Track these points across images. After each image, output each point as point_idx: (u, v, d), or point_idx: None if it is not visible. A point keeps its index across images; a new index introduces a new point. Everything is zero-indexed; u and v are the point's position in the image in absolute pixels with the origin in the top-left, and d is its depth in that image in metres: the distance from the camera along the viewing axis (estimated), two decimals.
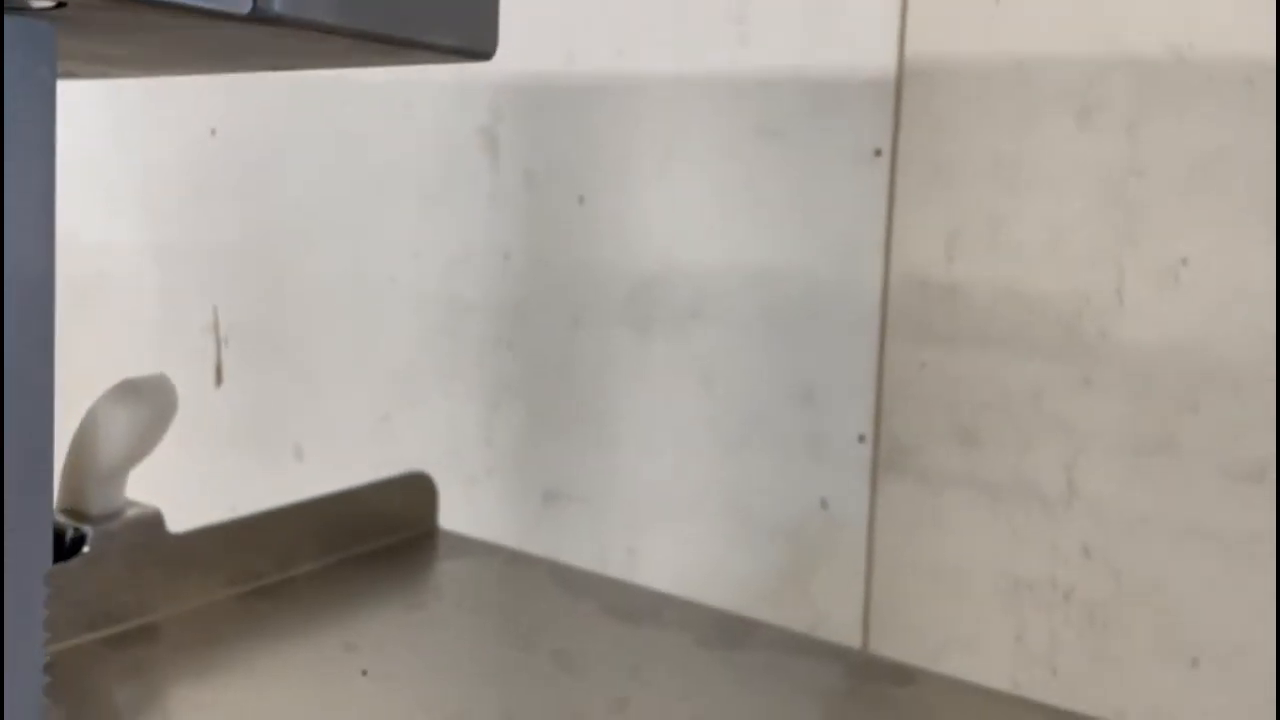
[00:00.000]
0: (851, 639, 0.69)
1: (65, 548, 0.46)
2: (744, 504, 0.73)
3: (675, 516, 0.76)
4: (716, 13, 0.69)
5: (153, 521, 0.48)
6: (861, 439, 0.68)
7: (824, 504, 0.70)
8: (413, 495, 0.61)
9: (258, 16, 0.23)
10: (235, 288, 0.98)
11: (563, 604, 0.52)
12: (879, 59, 0.64)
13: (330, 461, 0.93)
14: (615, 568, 0.81)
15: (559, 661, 0.46)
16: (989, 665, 0.64)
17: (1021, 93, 0.60)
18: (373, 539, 0.59)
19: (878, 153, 0.65)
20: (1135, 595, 0.60)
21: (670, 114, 0.72)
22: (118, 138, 1.02)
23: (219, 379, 0.98)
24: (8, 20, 0.21)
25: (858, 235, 0.66)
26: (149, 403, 0.45)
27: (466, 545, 0.61)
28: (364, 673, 0.44)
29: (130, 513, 0.48)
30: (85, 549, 0.45)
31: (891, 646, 0.67)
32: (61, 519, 0.46)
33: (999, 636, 0.64)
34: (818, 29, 0.66)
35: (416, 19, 0.27)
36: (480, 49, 0.29)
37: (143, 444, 0.46)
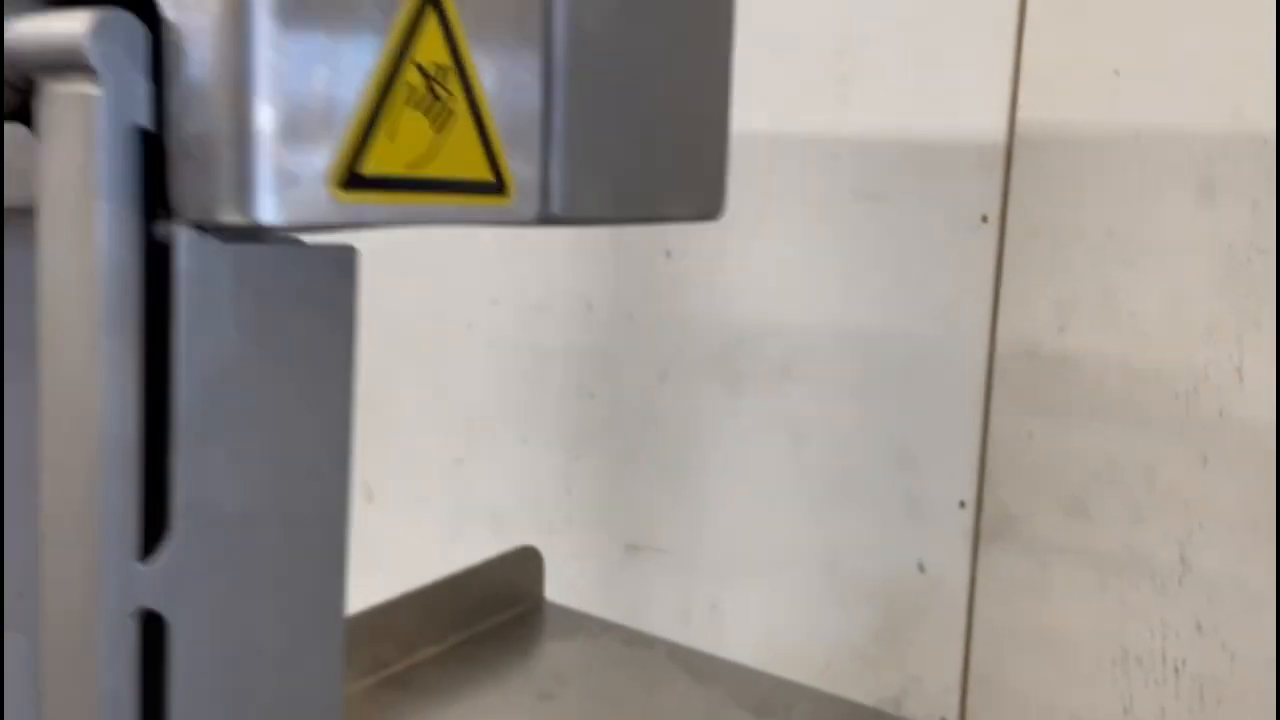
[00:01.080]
0: (947, 706, 0.69)
1: None
2: (835, 563, 0.72)
3: (762, 573, 0.75)
4: (818, 71, 0.68)
5: None
6: (962, 504, 0.67)
7: (921, 567, 0.69)
8: (521, 569, 0.61)
9: (542, 222, 0.22)
10: None
11: (692, 695, 0.52)
12: (988, 124, 0.63)
13: (400, 504, 0.93)
14: (698, 624, 0.81)
15: None
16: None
17: (1139, 165, 0.59)
18: (488, 617, 0.58)
19: (984, 219, 0.64)
20: (1249, 673, 0.59)
21: (766, 172, 0.71)
22: None
23: None
24: (314, 250, 0.20)
25: (962, 301, 0.65)
26: None
27: (578, 621, 0.60)
28: None
29: None
30: None
31: (991, 715, 0.67)
32: None
33: (1106, 709, 0.63)
34: (924, 91, 0.66)
35: (667, 201, 0.26)
36: (711, 213, 0.28)
37: None
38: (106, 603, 0.17)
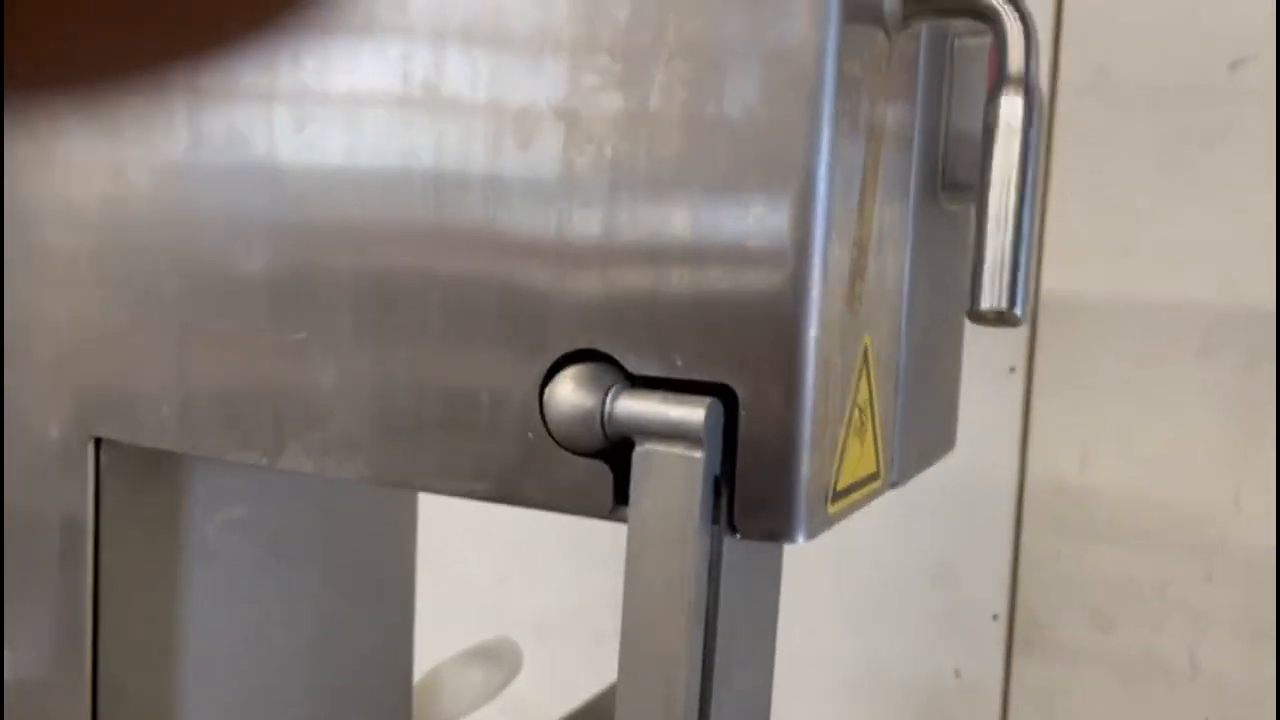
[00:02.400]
0: None
1: None
2: (876, 671, 0.80)
3: (809, 682, 0.83)
4: None
5: None
6: (995, 617, 0.76)
7: (958, 674, 0.78)
8: None
9: (614, 518, 0.28)
10: None
11: None
12: None
13: (444, 622, 0.97)
14: None
15: None
16: None
17: (1147, 328, 0.70)
18: None
19: (1012, 369, 0.74)
20: None
21: None
22: None
23: None
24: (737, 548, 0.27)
25: (994, 441, 0.75)
26: (505, 668, 0.50)
27: None
28: None
29: None
30: None
31: None
32: None
33: None
34: None
35: (941, 446, 0.34)
36: (952, 445, 0.36)
37: (482, 704, 0.51)
38: None
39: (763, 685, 0.29)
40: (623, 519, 0.26)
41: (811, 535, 0.25)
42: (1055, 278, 0.72)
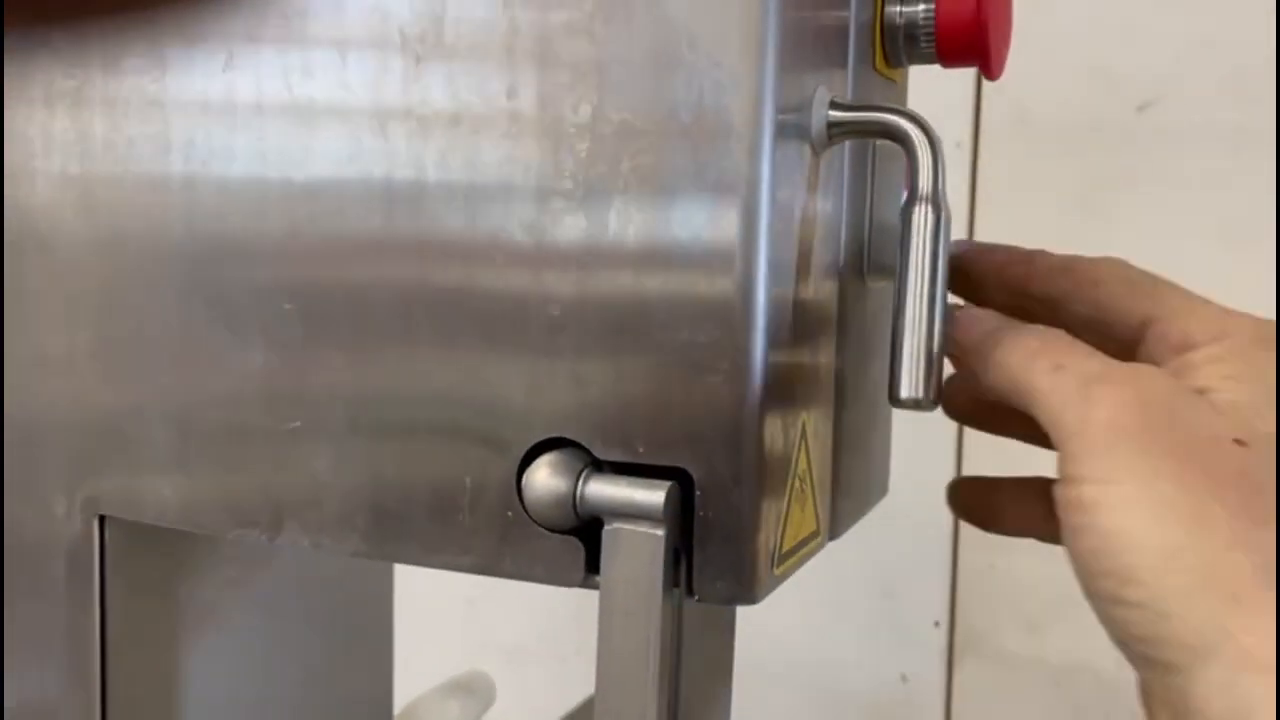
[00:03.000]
0: None
1: None
2: (828, 678, 0.85)
3: (764, 689, 0.87)
4: None
5: None
6: (937, 624, 0.81)
7: (904, 678, 0.82)
8: None
9: (585, 586, 0.32)
10: None
11: None
12: None
13: (416, 645, 0.99)
14: None
15: None
16: None
17: None
18: None
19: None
20: None
21: None
22: None
23: None
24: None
25: (930, 473, 0.79)
26: (480, 699, 0.53)
27: None
28: None
29: None
30: None
31: None
32: None
33: None
34: None
35: (875, 495, 0.38)
36: (885, 491, 0.40)
37: None
38: None
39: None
40: (593, 586, 0.29)
41: (762, 598, 0.29)
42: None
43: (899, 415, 0.40)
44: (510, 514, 0.30)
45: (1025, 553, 0.78)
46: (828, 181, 0.31)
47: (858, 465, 0.37)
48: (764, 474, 0.28)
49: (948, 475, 0.79)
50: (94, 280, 0.35)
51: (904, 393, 0.29)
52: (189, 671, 0.40)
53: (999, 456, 0.77)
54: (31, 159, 0.35)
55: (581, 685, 0.85)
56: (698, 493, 0.28)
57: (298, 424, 0.32)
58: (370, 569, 0.49)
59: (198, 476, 0.34)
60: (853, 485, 0.36)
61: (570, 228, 0.29)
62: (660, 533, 0.28)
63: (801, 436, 0.31)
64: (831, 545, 0.32)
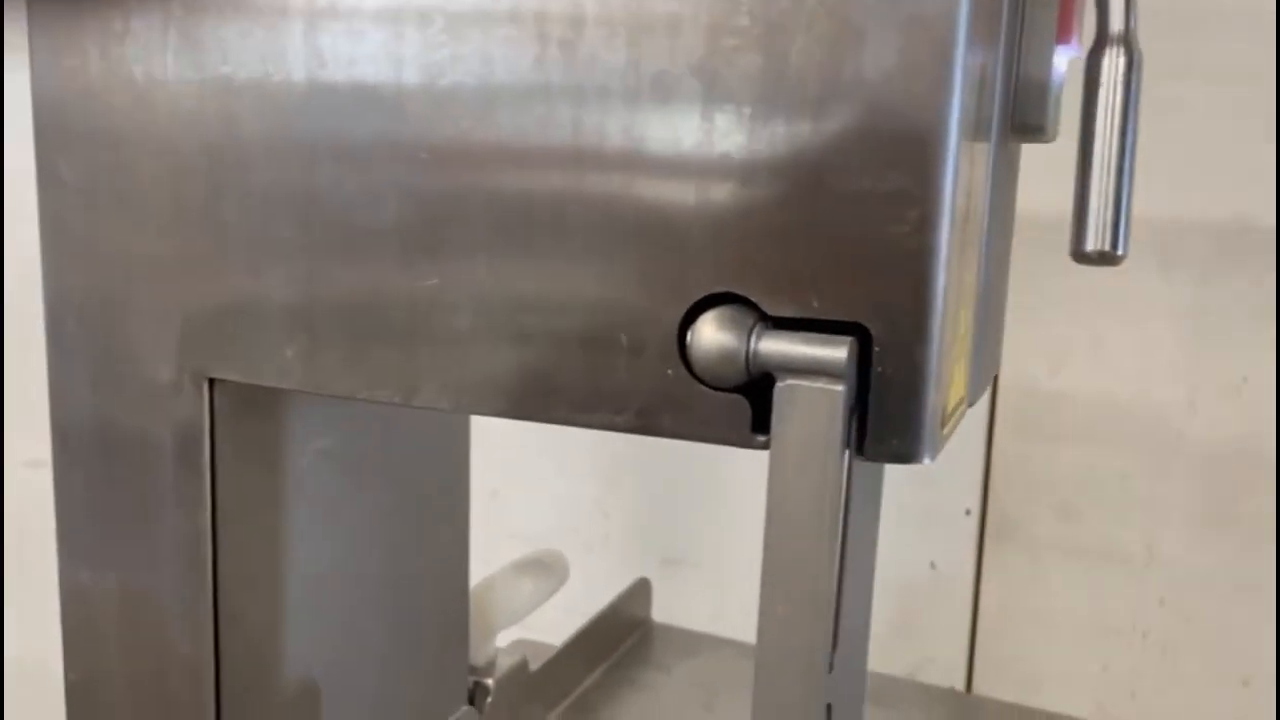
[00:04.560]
0: (955, 679, 0.84)
1: (471, 698, 0.53)
2: None
3: None
4: None
5: (521, 667, 0.56)
6: (968, 512, 0.82)
7: (933, 565, 0.84)
8: (638, 598, 0.71)
9: (752, 446, 0.31)
10: None
11: None
12: None
13: None
14: (730, 626, 0.92)
15: None
16: (1079, 695, 0.80)
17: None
18: (621, 643, 0.68)
19: None
20: (1201, 634, 0.77)
21: None
22: None
23: None
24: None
25: None
26: (554, 577, 0.53)
27: (689, 640, 0.71)
28: None
29: (504, 660, 0.56)
30: (489, 700, 0.53)
31: (992, 681, 0.82)
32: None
33: (1088, 670, 0.80)
34: None
35: (990, 373, 0.38)
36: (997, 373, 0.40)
37: (530, 611, 0.54)
38: (815, 703, 0.27)
39: (868, 588, 0.32)
40: (759, 446, 0.29)
41: (933, 456, 0.28)
42: (1028, 198, 0.76)
43: None
44: (670, 372, 0.29)
45: (1060, 441, 0.79)
46: (993, 24, 0.30)
47: (989, 334, 0.36)
48: (943, 331, 0.27)
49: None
50: (203, 128, 0.33)
51: (1089, 245, 0.28)
52: (287, 539, 0.39)
53: (1040, 331, 0.77)
54: (161, 69, 0.33)
55: (605, 578, 0.85)
56: (876, 349, 0.27)
57: (435, 281, 0.31)
58: (450, 442, 0.49)
59: (324, 339, 0.33)
60: (985, 354, 0.35)
61: (744, 68, 0.27)
62: (840, 388, 0.27)
63: (967, 296, 0.30)
64: None
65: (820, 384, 0.27)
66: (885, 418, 0.28)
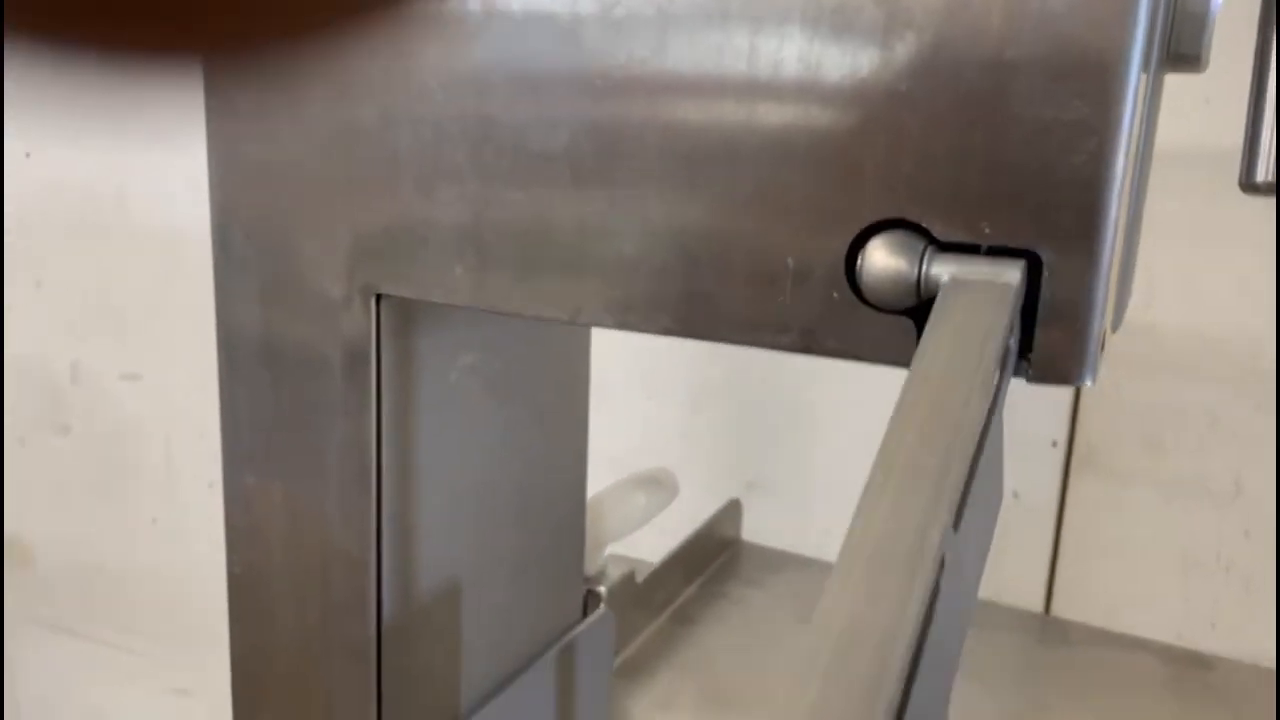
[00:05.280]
0: (1034, 605, 0.85)
1: (584, 605, 0.56)
2: None
3: None
4: None
5: (630, 578, 0.59)
6: (1054, 444, 0.82)
7: (1015, 495, 0.85)
8: (729, 518, 0.73)
9: None
10: None
11: None
12: None
13: None
14: (811, 548, 0.95)
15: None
16: (1158, 625, 0.81)
17: (1212, 172, 0.74)
18: (713, 560, 0.71)
19: None
20: None
21: None
22: None
23: None
24: None
25: None
26: (666, 492, 0.55)
27: (778, 559, 0.73)
28: None
29: (614, 570, 0.58)
30: (601, 608, 0.56)
31: (1073, 609, 0.84)
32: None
33: (1169, 600, 0.81)
34: None
35: (1126, 300, 0.38)
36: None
37: (641, 525, 0.56)
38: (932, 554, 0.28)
39: (995, 508, 0.33)
40: None
41: (1094, 379, 0.29)
42: None
43: None
44: (836, 295, 0.30)
45: (1149, 374, 0.79)
46: None
47: (1130, 266, 0.37)
48: (1111, 259, 0.28)
49: None
50: (377, 53, 0.35)
51: (1260, 176, 0.28)
52: (438, 448, 0.41)
53: (1136, 272, 0.77)
54: None
55: (690, 501, 0.87)
56: (1045, 274, 0.28)
57: (604, 206, 0.32)
58: (573, 368, 0.50)
59: (493, 258, 0.34)
60: (1126, 284, 0.36)
61: None
62: (1014, 282, 0.28)
63: (1123, 225, 0.31)
64: None
65: (990, 284, 0.28)
66: (1051, 341, 0.29)
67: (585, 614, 0.56)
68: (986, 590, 0.87)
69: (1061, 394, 0.81)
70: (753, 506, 0.92)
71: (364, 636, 0.40)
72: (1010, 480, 0.86)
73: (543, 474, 0.49)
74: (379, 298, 0.37)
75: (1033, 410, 0.82)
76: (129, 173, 1.12)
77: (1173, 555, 0.80)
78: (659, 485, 0.55)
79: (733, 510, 0.73)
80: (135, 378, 1.16)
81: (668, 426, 0.96)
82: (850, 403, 0.88)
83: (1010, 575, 0.86)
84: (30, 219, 1.18)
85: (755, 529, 0.93)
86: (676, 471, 0.98)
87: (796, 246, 0.30)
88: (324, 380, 0.38)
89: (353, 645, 0.40)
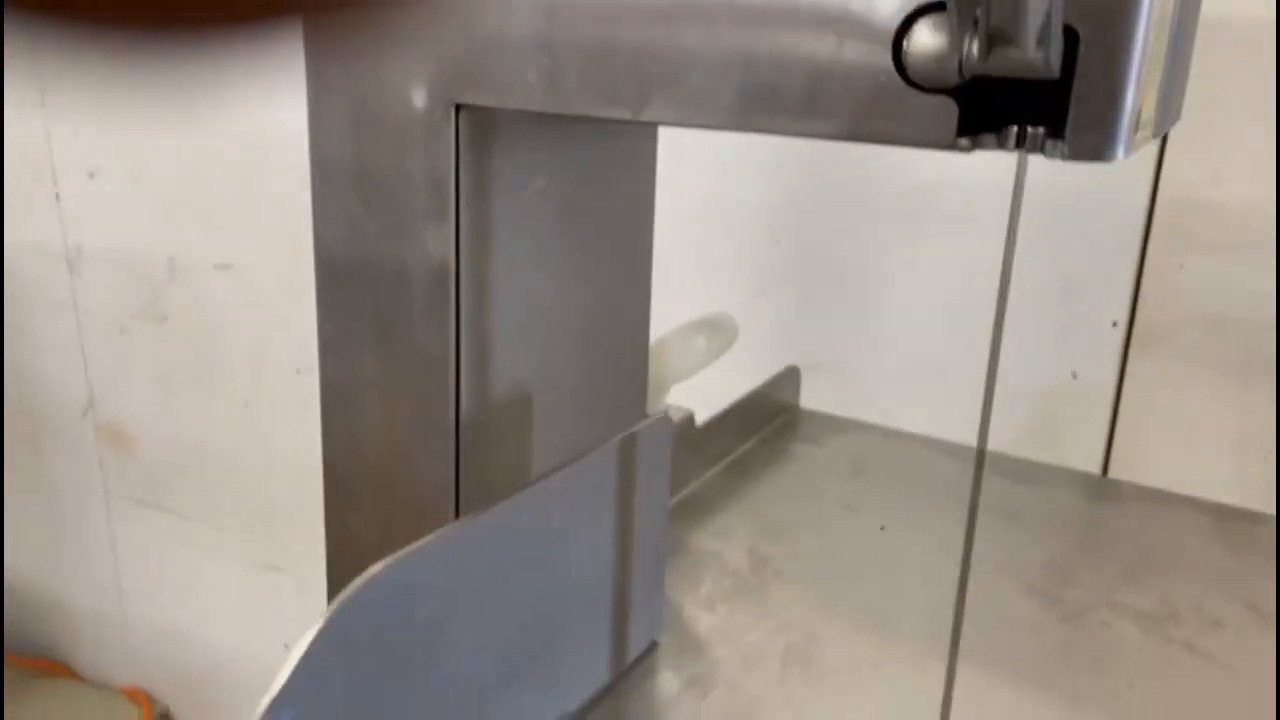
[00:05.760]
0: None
1: None
2: (1000, 376, 0.88)
3: (930, 384, 0.91)
4: None
5: (689, 421, 0.62)
6: (1115, 324, 0.83)
7: (1074, 375, 0.86)
8: (788, 383, 0.76)
9: (954, 149, 0.35)
10: None
11: (957, 469, 0.68)
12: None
13: None
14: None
15: (1004, 514, 0.62)
16: (1213, 491, 0.82)
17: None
18: (770, 421, 0.73)
19: None
20: None
21: None
22: None
23: None
24: None
25: (1128, 162, 0.79)
26: (726, 335, 0.58)
27: (837, 422, 0.76)
28: (882, 528, 0.60)
29: (673, 413, 0.61)
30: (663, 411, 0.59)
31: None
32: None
33: (1224, 477, 0.82)
34: None
35: (1176, 111, 0.40)
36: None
37: (702, 367, 0.59)
38: None
39: None
40: (962, 149, 0.32)
41: (1127, 154, 0.31)
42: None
43: None
44: (883, 77, 0.32)
45: (1214, 253, 0.79)
46: None
47: (1176, 80, 0.38)
48: (1147, 39, 0.30)
49: (1147, 171, 0.80)
50: None
51: None
52: (512, 264, 0.44)
53: (1203, 138, 0.76)
54: None
55: (750, 384, 0.89)
56: (1082, 49, 0.30)
57: (666, 3, 0.35)
58: (640, 203, 0.53)
59: (563, 58, 0.37)
60: (1171, 96, 0.37)
61: None
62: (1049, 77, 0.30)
63: (1167, 14, 0.32)
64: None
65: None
66: (1086, 115, 0.31)
67: None
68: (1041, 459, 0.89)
69: (1124, 274, 0.82)
70: (816, 384, 0.95)
71: (445, 431, 0.43)
72: (1069, 360, 0.87)
73: (609, 300, 0.52)
74: (459, 109, 0.40)
75: (1093, 290, 0.83)
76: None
77: (1231, 436, 0.81)
78: (718, 329, 0.58)
79: (791, 376, 0.75)
80: (227, 268, 1.22)
81: (727, 310, 0.98)
82: (912, 285, 0.90)
83: (1066, 458, 0.87)
84: (121, 114, 1.24)
85: (817, 402, 0.95)
86: (735, 355, 1.01)
87: (848, 30, 0.33)
88: (409, 193, 0.41)
89: (434, 442, 0.44)
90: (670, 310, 1.02)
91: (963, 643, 0.50)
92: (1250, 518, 0.63)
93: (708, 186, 0.96)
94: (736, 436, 0.69)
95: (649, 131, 0.53)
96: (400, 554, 0.32)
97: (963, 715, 0.42)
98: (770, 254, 0.95)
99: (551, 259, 0.47)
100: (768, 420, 0.73)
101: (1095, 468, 0.86)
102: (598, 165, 0.49)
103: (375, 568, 0.31)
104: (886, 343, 0.92)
